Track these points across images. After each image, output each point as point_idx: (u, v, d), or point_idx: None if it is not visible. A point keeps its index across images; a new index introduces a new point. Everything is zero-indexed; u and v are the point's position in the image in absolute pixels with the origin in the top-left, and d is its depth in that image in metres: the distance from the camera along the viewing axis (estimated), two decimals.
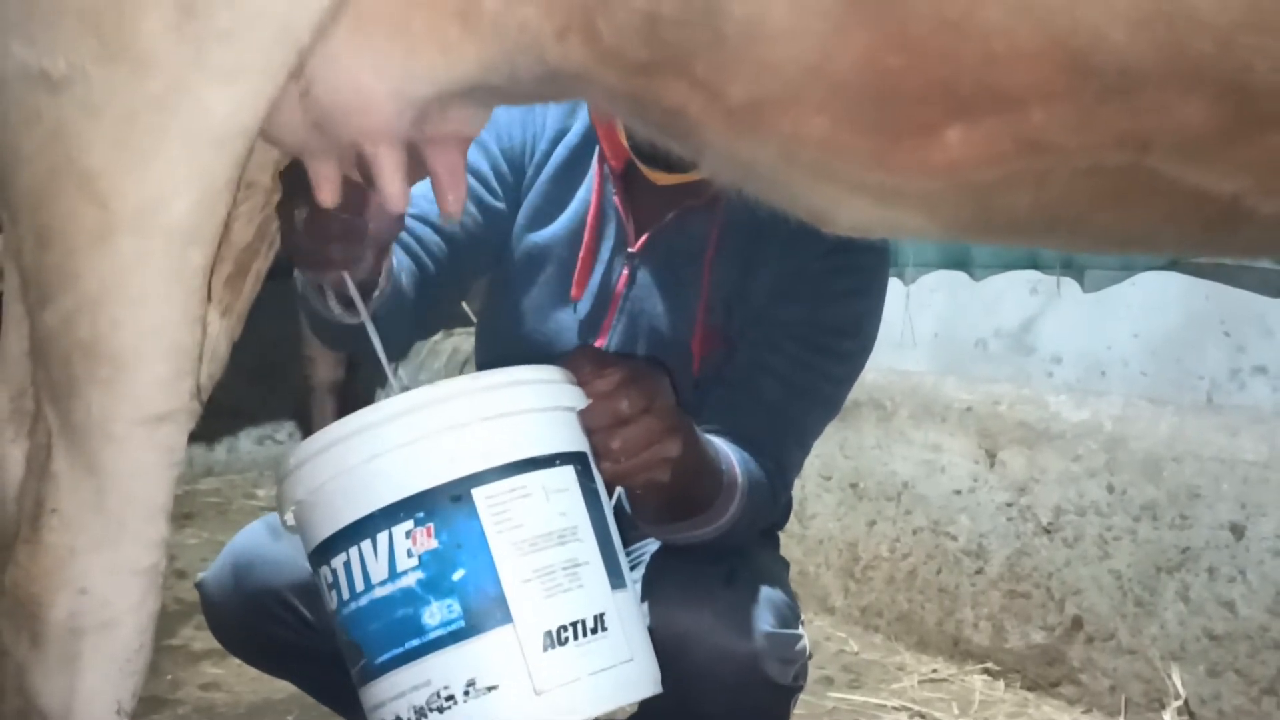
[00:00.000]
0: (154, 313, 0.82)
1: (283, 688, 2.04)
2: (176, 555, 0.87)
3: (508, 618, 0.90)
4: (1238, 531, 2.16)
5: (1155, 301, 2.45)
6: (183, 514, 3.51)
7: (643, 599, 1.30)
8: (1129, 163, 0.65)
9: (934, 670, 2.55)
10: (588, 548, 0.94)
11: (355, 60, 0.79)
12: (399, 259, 1.40)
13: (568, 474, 0.96)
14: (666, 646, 1.25)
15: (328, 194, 0.94)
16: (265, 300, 1.05)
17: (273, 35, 0.75)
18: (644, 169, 1.45)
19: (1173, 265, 2.39)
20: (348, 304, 1.14)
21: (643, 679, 0.97)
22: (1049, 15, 0.61)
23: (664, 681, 1.26)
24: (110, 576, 0.89)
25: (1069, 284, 2.60)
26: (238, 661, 1.65)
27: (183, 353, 0.85)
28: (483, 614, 0.90)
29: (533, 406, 0.97)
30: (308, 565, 1.02)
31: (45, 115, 0.77)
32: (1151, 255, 2.32)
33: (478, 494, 0.91)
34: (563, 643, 0.90)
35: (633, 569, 1.40)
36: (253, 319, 1.04)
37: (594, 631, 0.92)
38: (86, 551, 0.87)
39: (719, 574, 1.32)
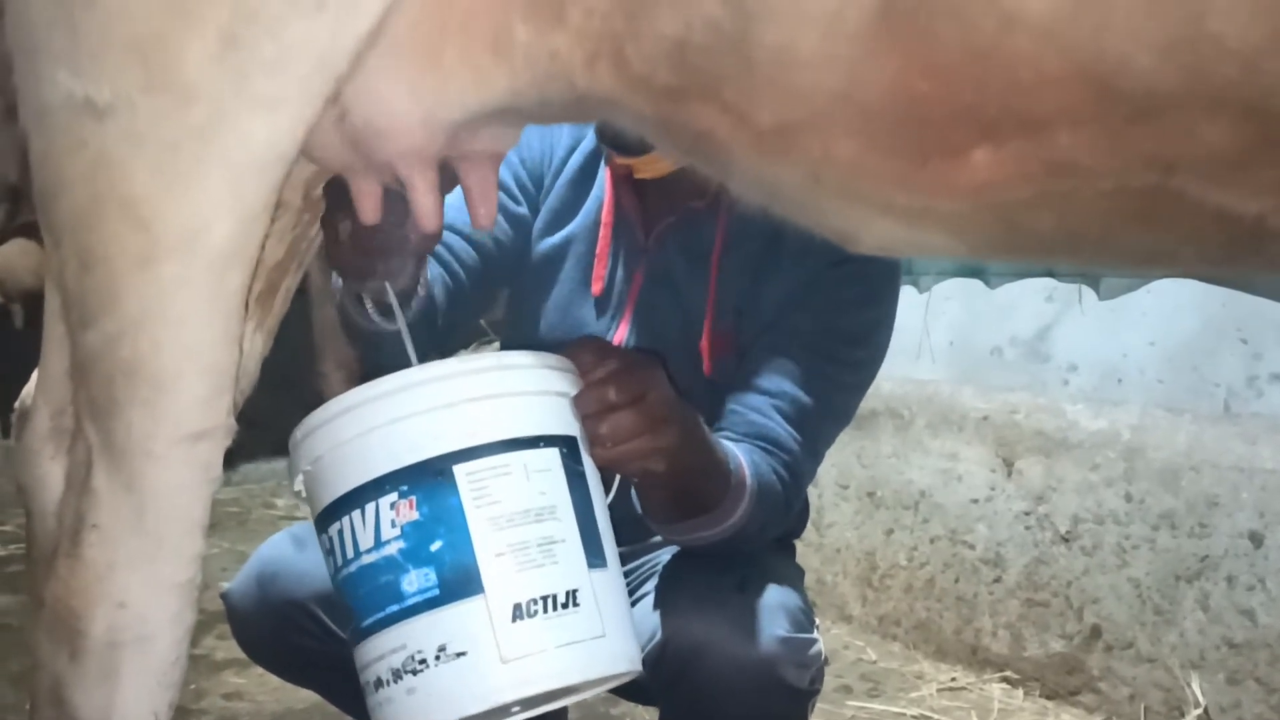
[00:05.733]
0: (193, 334, 0.84)
1: (305, 697, 2.06)
2: None
3: (480, 588, 0.93)
4: (1256, 540, 2.15)
5: (1171, 309, 2.45)
6: None
7: (655, 608, 1.32)
8: (1154, 184, 0.66)
9: (953, 679, 2.54)
10: (566, 526, 0.98)
11: (390, 87, 0.81)
12: (432, 269, 1.42)
13: (551, 455, 0.99)
14: (682, 655, 1.26)
15: (369, 210, 0.98)
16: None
17: (313, 65, 0.77)
18: (614, 156, 1.47)
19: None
20: (385, 312, 1.17)
21: (615, 656, 0.99)
22: (1075, 42, 0.62)
23: (681, 690, 1.28)
24: (148, 591, 0.90)
25: (1084, 292, 2.60)
26: (260, 671, 1.66)
27: (221, 372, 0.87)
28: (457, 584, 0.94)
29: (520, 390, 1.01)
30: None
31: (90, 142, 0.79)
32: (1172, 273, 2.31)
33: (459, 470, 0.95)
34: (531, 615, 0.94)
35: (645, 580, 1.42)
36: None
37: (565, 606, 0.95)
38: (125, 566, 0.89)
39: (732, 582, 1.33)
